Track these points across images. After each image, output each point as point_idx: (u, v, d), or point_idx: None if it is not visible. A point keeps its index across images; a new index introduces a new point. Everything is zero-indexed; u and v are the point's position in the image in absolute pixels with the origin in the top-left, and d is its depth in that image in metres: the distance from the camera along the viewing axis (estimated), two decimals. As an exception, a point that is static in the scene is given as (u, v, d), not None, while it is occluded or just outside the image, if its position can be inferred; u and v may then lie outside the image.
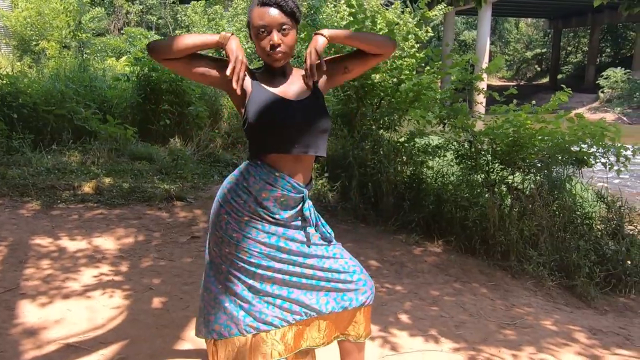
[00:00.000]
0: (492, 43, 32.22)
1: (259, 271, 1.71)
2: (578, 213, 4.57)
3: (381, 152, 5.03)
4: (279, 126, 1.68)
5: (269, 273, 1.71)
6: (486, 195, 4.52)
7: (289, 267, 1.73)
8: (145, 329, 2.73)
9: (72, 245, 3.82)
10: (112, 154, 6.31)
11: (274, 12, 1.64)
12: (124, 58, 13.40)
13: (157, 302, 3.05)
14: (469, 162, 4.86)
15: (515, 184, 4.68)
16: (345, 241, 4.06)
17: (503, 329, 3.03)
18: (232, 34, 1.70)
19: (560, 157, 4.62)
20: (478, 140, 4.80)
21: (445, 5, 12.71)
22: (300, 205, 1.75)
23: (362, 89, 5.28)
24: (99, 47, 15.53)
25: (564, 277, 3.98)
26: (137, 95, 7.48)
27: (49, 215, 4.43)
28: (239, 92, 1.71)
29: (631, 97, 23.42)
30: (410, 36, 6.18)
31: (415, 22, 8.83)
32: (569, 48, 38.95)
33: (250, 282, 1.71)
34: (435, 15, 13.01)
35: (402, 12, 10.36)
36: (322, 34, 1.75)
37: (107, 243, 3.93)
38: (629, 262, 4.14)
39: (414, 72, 5.36)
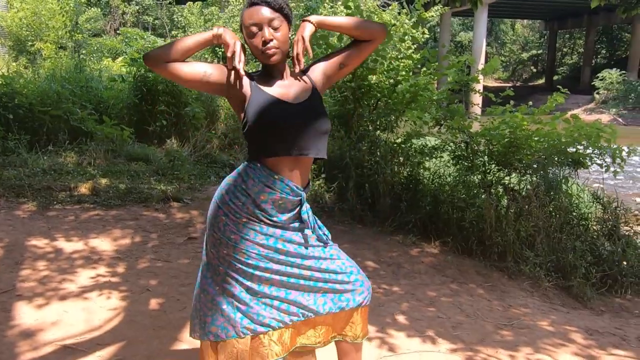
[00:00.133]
0: (488, 44, 32.26)
1: (257, 273, 1.71)
2: (574, 214, 4.59)
3: (378, 153, 5.03)
4: (278, 129, 1.68)
5: (267, 275, 1.71)
6: (483, 196, 4.53)
7: (287, 269, 1.73)
8: (142, 330, 2.72)
9: (69, 246, 3.81)
10: (109, 154, 6.30)
11: (262, 10, 1.68)
12: (120, 59, 13.37)
13: (154, 303, 3.05)
14: (466, 163, 4.87)
15: (512, 185, 4.69)
16: (342, 242, 4.06)
17: (500, 329, 3.03)
18: (224, 27, 1.71)
19: (556, 158, 4.64)
20: (474, 141, 4.82)
21: (441, 6, 12.73)
22: (298, 208, 1.76)
23: (359, 90, 5.28)
24: (95, 48, 15.48)
25: (561, 278, 3.99)
26: (134, 96, 7.46)
27: (45, 216, 4.41)
28: (242, 72, 1.70)
29: (626, 98, 23.52)
30: (407, 37, 6.19)
31: (411, 24, 8.84)
32: (565, 49, 39.10)
33: (248, 283, 1.71)
34: (432, 16, 13.01)
35: (399, 13, 10.36)
36: (309, 21, 1.77)
37: (103, 244, 3.92)
38: (624, 262, 4.16)
39: (411, 74, 5.37)
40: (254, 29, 1.68)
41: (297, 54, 1.74)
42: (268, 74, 1.77)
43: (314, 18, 1.77)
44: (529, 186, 4.56)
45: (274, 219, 1.72)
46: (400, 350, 2.68)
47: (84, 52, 13.66)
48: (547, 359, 2.72)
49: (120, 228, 4.27)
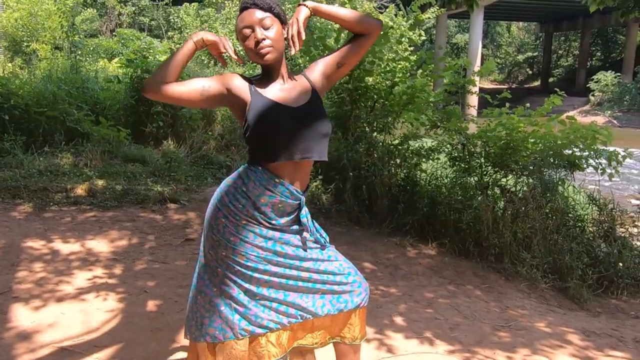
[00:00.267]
0: (484, 46, 32.42)
1: (256, 275, 1.71)
2: (570, 215, 4.61)
3: (375, 154, 5.04)
4: (280, 134, 1.68)
5: (266, 277, 1.72)
6: (479, 198, 4.54)
7: (286, 271, 1.74)
8: (139, 332, 2.71)
9: (65, 248, 3.80)
10: (105, 156, 6.27)
11: (252, 12, 1.70)
12: (116, 59, 13.33)
13: (151, 305, 3.04)
14: (462, 165, 4.88)
15: (509, 187, 4.70)
16: (340, 244, 4.06)
17: (497, 331, 3.04)
18: (202, 31, 1.74)
19: (552, 160, 4.66)
20: (471, 143, 4.83)
21: (437, 8, 12.76)
22: (297, 211, 1.76)
23: (355, 92, 5.29)
24: (91, 49, 15.45)
25: (557, 279, 4.00)
26: (130, 97, 7.44)
27: (42, 217, 4.40)
28: (234, 56, 1.73)
29: (621, 100, 23.67)
30: (403, 39, 6.22)
31: (408, 26, 8.87)
32: (560, 51, 39.28)
33: (247, 285, 1.71)
34: (428, 18, 13.06)
35: (395, 15, 10.39)
36: (305, 5, 1.78)
37: (100, 246, 3.91)
38: (620, 264, 4.18)
39: (408, 75, 5.38)
40: (247, 31, 1.70)
41: (292, 36, 1.74)
42: (267, 77, 1.77)
43: (310, 3, 1.77)
44: (525, 188, 4.58)
45: (273, 222, 1.73)
46: (399, 352, 2.68)
47: (80, 53, 13.61)
48: (544, 360, 2.72)
49: (117, 229, 4.26)
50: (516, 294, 3.76)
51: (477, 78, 5.13)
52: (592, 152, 4.60)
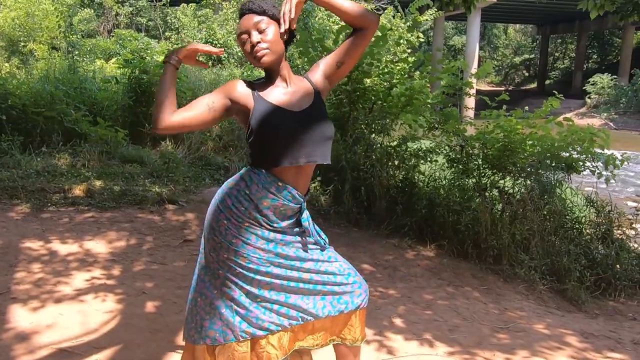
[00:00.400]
0: (481, 48, 32.47)
1: (258, 277, 1.71)
2: (568, 217, 4.63)
3: (373, 156, 5.05)
4: (283, 139, 1.69)
5: (267, 279, 1.72)
6: (478, 200, 4.55)
7: (287, 272, 1.74)
8: (138, 333, 2.70)
9: (63, 248, 3.79)
10: (103, 156, 6.25)
11: (248, 17, 1.72)
12: (113, 60, 13.30)
13: (150, 306, 3.03)
14: (460, 167, 4.89)
15: (506, 189, 4.71)
16: (338, 245, 4.06)
17: (496, 332, 3.05)
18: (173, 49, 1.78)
19: (549, 162, 4.67)
20: (469, 145, 4.84)
21: (435, 10, 12.80)
22: (298, 215, 1.77)
23: (354, 93, 5.29)
24: (89, 49, 15.42)
25: (555, 281, 4.02)
26: (128, 97, 7.42)
27: (39, 218, 4.38)
28: (214, 51, 1.75)
29: (617, 103, 23.76)
30: (402, 41, 6.23)
31: (406, 27, 8.89)
32: (557, 54, 39.42)
33: (248, 287, 1.71)
34: (426, 20, 13.09)
35: (393, 17, 10.42)
36: None
37: (98, 246, 3.89)
38: (618, 266, 4.20)
39: (406, 77, 5.39)
40: (244, 37, 1.72)
41: (283, 14, 1.71)
42: (270, 79, 1.77)
43: None
44: (523, 190, 4.59)
45: (275, 224, 1.73)
46: (399, 354, 2.68)
47: (77, 53, 13.58)
48: (543, 362, 2.73)
49: (115, 230, 4.25)
50: (514, 296, 3.77)
51: (474, 80, 5.14)
52: (589, 156, 4.61)
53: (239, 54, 15.02)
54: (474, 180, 4.80)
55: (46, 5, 14.61)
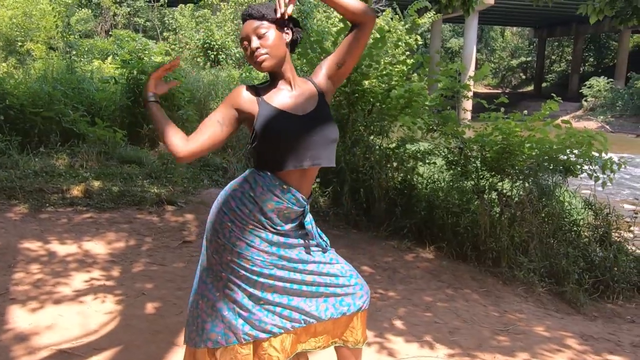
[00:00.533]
0: (478, 51, 32.56)
1: (261, 279, 1.70)
2: (566, 220, 4.64)
3: (372, 158, 5.05)
4: (288, 143, 1.69)
5: (271, 281, 1.71)
6: (476, 202, 4.56)
7: (290, 275, 1.73)
8: (138, 334, 2.70)
9: (62, 249, 3.77)
10: (101, 157, 6.24)
11: (248, 23, 1.73)
12: (109, 59, 13.28)
13: (150, 307, 3.02)
14: (459, 169, 4.90)
15: (505, 191, 4.72)
16: (338, 247, 4.04)
17: (496, 335, 3.05)
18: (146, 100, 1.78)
19: (548, 165, 4.68)
20: (467, 147, 4.85)
21: (434, 12, 12.83)
22: (301, 218, 1.77)
23: (353, 95, 5.30)
24: (86, 49, 15.38)
25: (554, 284, 4.03)
26: (126, 98, 7.42)
27: (38, 218, 4.36)
28: (172, 65, 1.78)
29: (614, 106, 23.87)
30: (400, 43, 6.24)
31: (405, 30, 8.91)
32: (553, 57, 39.57)
33: (251, 290, 1.70)
34: (425, 22, 13.11)
35: (391, 19, 10.43)
36: None
37: (97, 247, 3.88)
38: (616, 268, 4.21)
39: (405, 79, 5.40)
40: (245, 43, 1.73)
41: (278, 0, 1.72)
42: (274, 83, 1.77)
43: None
44: (521, 192, 4.60)
45: (278, 227, 1.73)
46: (399, 356, 2.68)
47: (75, 53, 13.55)
48: (543, 364, 2.74)
49: (114, 231, 4.24)
50: (514, 298, 3.77)
51: (471, 82, 5.16)
52: (587, 159, 4.62)
53: (237, 55, 15.02)
54: (472, 182, 4.81)
55: (44, 5, 14.57)
